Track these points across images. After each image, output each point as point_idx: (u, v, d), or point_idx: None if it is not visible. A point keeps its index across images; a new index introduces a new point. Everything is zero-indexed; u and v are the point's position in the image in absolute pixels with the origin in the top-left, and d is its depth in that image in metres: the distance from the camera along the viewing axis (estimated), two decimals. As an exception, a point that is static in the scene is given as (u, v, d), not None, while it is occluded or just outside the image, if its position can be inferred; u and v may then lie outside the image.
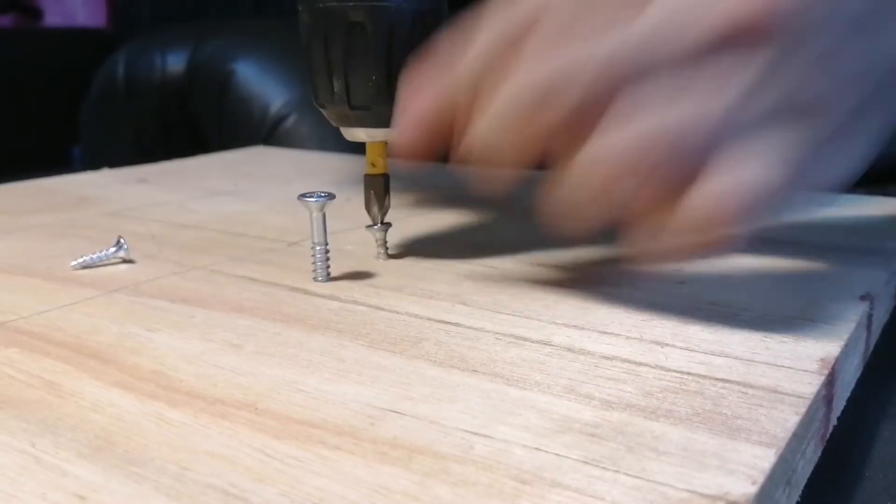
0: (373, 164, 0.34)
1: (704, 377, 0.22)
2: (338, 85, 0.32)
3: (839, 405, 0.24)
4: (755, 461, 0.17)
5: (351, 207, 0.43)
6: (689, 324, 0.25)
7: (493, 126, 0.26)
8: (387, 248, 0.34)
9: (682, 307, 0.27)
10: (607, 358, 0.23)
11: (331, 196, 0.30)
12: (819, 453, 0.22)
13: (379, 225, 0.33)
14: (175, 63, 1.03)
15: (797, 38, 0.24)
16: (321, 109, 0.34)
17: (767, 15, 0.23)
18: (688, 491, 0.16)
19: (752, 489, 0.16)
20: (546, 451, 0.18)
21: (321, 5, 0.32)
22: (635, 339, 0.24)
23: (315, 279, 0.30)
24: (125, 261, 0.34)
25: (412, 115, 0.28)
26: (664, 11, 0.24)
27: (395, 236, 0.34)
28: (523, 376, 0.22)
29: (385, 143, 0.33)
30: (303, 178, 0.54)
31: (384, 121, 0.32)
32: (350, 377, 0.22)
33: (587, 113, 0.24)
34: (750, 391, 0.21)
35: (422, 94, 0.28)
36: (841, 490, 0.24)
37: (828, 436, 0.22)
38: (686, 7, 0.24)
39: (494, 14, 0.27)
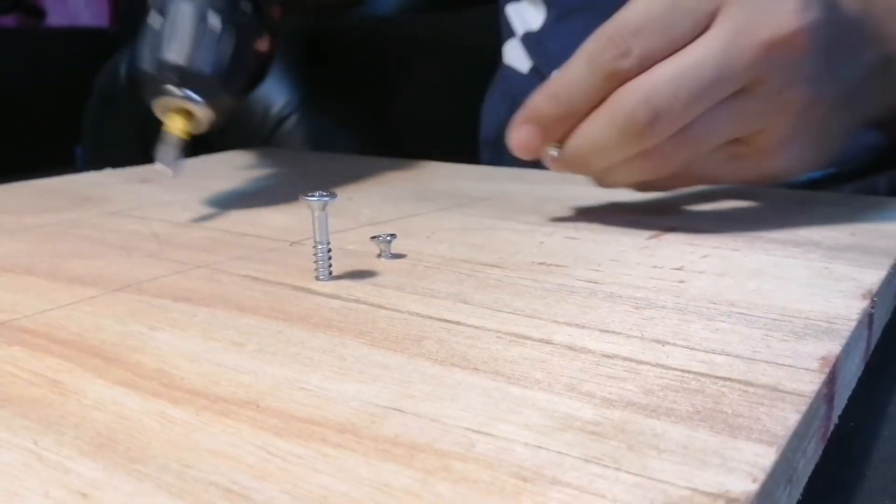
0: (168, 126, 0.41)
1: (705, 375, 0.22)
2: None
3: (840, 404, 0.24)
4: (756, 459, 0.17)
5: (353, 207, 0.43)
6: (689, 322, 0.25)
7: (586, 143, 0.35)
8: (389, 251, 0.34)
9: (683, 306, 0.27)
10: (608, 356, 0.23)
11: (332, 195, 0.30)
12: (820, 452, 0.22)
13: (384, 235, 0.34)
14: (177, 63, 1.03)
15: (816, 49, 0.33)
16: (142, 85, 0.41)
17: (803, 29, 0.33)
18: (689, 489, 0.16)
19: (753, 487, 0.16)
20: (547, 449, 0.18)
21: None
22: (636, 337, 0.24)
23: (317, 278, 0.31)
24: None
25: (522, 125, 0.36)
26: (725, 36, 0.33)
27: (396, 235, 0.34)
28: (524, 374, 0.22)
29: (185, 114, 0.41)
30: (304, 177, 0.54)
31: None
32: (351, 375, 0.22)
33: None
34: (751, 389, 0.21)
35: (527, 110, 0.36)
36: (841, 489, 0.24)
37: (829, 434, 0.22)
38: (741, 27, 0.33)
39: (590, 47, 0.34)
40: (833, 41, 0.35)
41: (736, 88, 0.34)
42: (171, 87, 0.41)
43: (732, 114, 0.34)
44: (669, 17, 0.33)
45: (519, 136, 0.36)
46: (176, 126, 0.42)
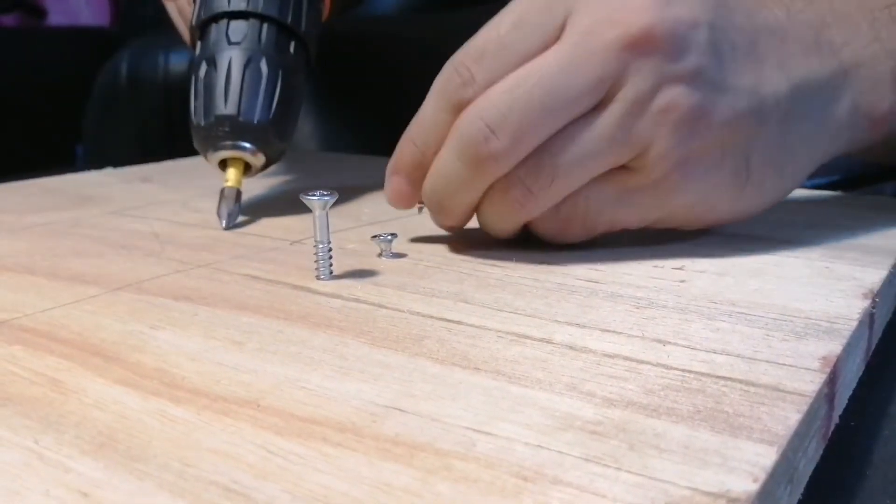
0: (226, 179, 0.42)
1: (706, 375, 0.22)
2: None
3: (841, 403, 0.24)
4: (757, 459, 0.17)
5: (354, 206, 0.44)
6: (690, 322, 0.25)
7: (436, 181, 0.32)
8: (390, 251, 0.34)
9: (684, 306, 0.27)
10: (609, 356, 0.23)
11: (333, 195, 0.30)
12: (821, 451, 0.22)
13: (384, 235, 0.34)
14: (178, 62, 1.03)
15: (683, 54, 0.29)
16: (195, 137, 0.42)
17: (660, 25, 0.29)
18: (689, 488, 0.16)
19: (754, 487, 0.16)
20: (548, 449, 0.18)
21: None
22: (637, 337, 0.24)
23: (318, 277, 0.30)
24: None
25: (392, 176, 0.34)
26: (570, 41, 0.29)
27: (397, 235, 0.34)
28: (525, 374, 0.22)
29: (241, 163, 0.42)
30: (305, 176, 0.55)
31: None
32: (352, 375, 0.22)
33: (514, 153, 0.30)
34: (752, 389, 0.21)
35: (393, 160, 0.34)
36: (842, 488, 0.24)
37: (829, 434, 0.22)
38: (588, 30, 0.29)
39: (439, 81, 0.32)
40: (732, 45, 0.30)
41: (591, 99, 0.29)
42: (224, 141, 0.41)
43: (597, 129, 0.30)
44: (513, 36, 0.30)
45: (390, 189, 0.34)
46: (232, 178, 0.42)
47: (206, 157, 0.42)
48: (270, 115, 0.41)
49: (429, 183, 0.32)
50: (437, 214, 0.34)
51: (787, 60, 0.32)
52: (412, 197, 0.34)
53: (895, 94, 0.34)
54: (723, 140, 0.31)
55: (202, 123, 0.41)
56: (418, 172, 0.33)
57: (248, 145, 0.41)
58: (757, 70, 0.31)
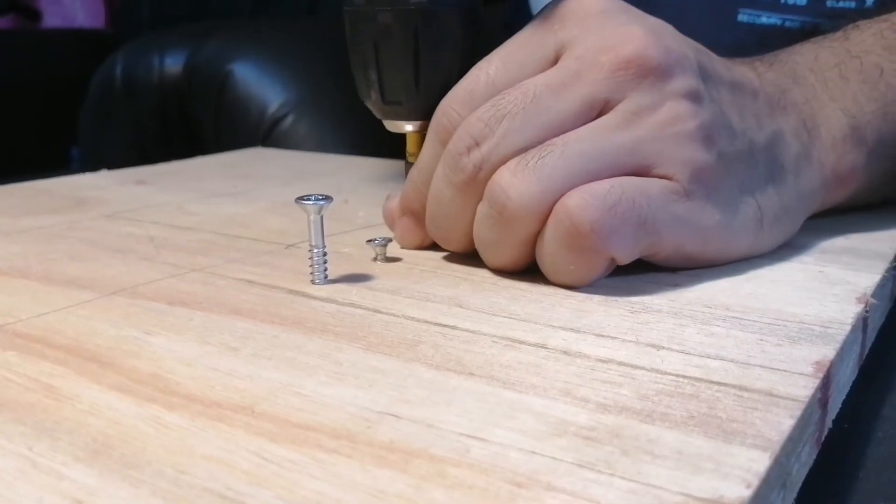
0: (411, 154, 0.36)
1: (700, 380, 0.22)
2: (373, 81, 0.35)
3: (834, 408, 0.24)
4: (750, 464, 0.17)
5: (348, 210, 0.43)
6: (684, 327, 0.25)
7: (430, 206, 0.32)
8: (385, 255, 0.34)
9: (678, 310, 0.27)
10: (603, 361, 0.23)
11: (328, 199, 0.30)
12: (814, 456, 0.22)
13: (379, 238, 0.34)
14: (173, 64, 1.03)
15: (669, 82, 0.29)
16: (364, 102, 0.36)
17: (651, 54, 0.29)
18: (683, 494, 0.16)
19: (747, 493, 0.17)
20: (542, 455, 0.18)
21: (352, 8, 0.34)
22: (631, 342, 0.24)
23: (313, 282, 0.31)
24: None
25: (398, 218, 0.35)
26: (562, 65, 0.30)
27: (392, 239, 0.34)
28: (519, 379, 0.22)
29: (423, 134, 0.36)
30: (301, 179, 0.54)
31: (416, 115, 0.35)
32: (347, 380, 0.22)
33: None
34: (745, 394, 0.21)
35: (400, 204, 0.35)
36: (835, 492, 0.24)
37: (823, 439, 0.22)
38: (580, 56, 0.30)
39: (431, 126, 0.33)
40: (718, 89, 0.31)
41: (579, 119, 0.29)
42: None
43: (585, 139, 0.29)
44: (502, 76, 0.31)
45: (399, 231, 0.35)
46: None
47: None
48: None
49: (427, 210, 0.33)
50: (440, 242, 0.33)
51: (760, 115, 0.33)
52: (422, 238, 0.34)
53: (855, 151, 0.35)
54: (730, 171, 0.30)
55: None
56: (421, 210, 0.33)
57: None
58: (741, 116, 0.32)
